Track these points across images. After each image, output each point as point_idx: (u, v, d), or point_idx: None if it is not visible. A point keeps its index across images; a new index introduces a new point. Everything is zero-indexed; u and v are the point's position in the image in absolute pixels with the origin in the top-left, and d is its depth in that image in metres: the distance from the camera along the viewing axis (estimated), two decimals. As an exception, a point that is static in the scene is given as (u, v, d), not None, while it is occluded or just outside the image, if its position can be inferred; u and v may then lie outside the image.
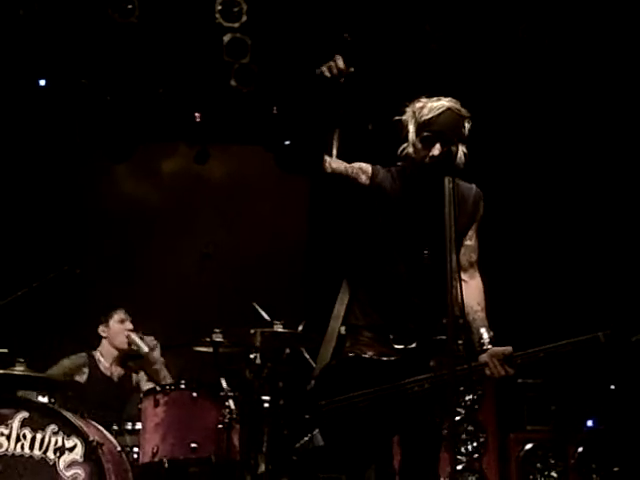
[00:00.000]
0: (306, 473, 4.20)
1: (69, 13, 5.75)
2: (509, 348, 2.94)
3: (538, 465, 5.04)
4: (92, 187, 6.56)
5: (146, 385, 4.84)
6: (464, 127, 3.06)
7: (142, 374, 4.95)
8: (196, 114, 6.44)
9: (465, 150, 3.06)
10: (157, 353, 4.82)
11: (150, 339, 4.83)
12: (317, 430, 3.12)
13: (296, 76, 6.20)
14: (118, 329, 4.86)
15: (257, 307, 4.78)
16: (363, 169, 3.15)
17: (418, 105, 3.10)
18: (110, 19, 5.75)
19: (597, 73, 5.69)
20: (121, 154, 6.43)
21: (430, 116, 3.03)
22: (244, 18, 5.89)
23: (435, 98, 3.10)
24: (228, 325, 4.63)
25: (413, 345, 3.02)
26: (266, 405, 4.32)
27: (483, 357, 2.95)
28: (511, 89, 5.98)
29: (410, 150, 3.09)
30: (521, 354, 2.93)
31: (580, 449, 5.00)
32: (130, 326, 4.88)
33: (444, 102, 3.06)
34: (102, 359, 4.86)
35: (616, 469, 4.94)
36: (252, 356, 4.31)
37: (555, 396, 5.20)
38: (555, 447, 5.07)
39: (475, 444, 5.07)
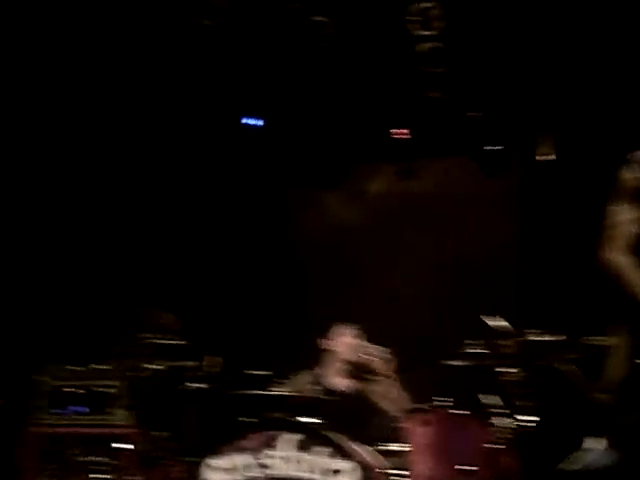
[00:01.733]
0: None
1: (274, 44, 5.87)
2: None
3: None
4: (302, 215, 6.69)
5: (381, 401, 4.67)
6: None
7: (375, 387, 4.77)
8: (398, 131, 6.37)
9: None
10: (389, 367, 4.61)
11: (382, 350, 4.64)
12: (591, 449, 2.81)
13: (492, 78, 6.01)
14: (344, 342, 4.73)
15: (487, 319, 4.52)
16: None
17: None
18: (306, 45, 5.83)
19: None
20: (329, 181, 6.50)
21: None
22: (440, 24, 5.75)
23: None
24: (451, 338, 4.41)
25: None
26: (529, 423, 4.02)
27: None
28: None
29: None
30: None
31: None
32: (357, 340, 4.73)
33: None
34: (328, 375, 4.73)
35: None
36: (507, 369, 4.05)
37: None
38: None
39: None
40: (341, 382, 4.65)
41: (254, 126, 6.29)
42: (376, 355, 4.56)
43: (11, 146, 5.49)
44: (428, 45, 5.74)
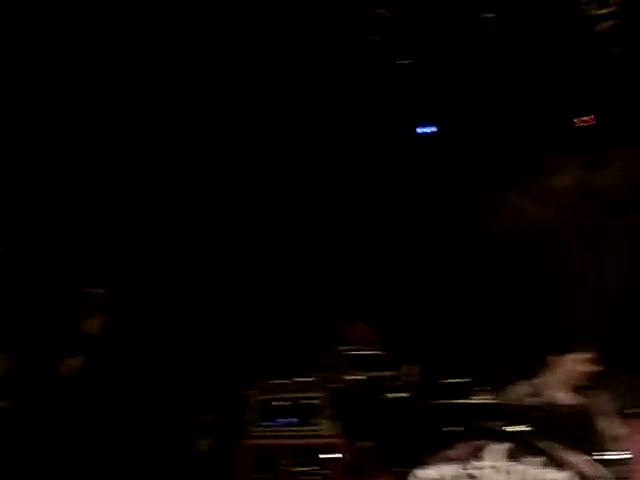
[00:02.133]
0: None
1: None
2: None
3: None
4: (491, 216, 6.56)
5: (602, 414, 4.37)
6: None
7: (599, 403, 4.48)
8: (582, 119, 6.04)
9: None
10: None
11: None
12: None
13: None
14: (573, 368, 4.46)
15: None
16: None
17: None
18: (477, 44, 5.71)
19: None
20: (515, 178, 6.33)
21: None
22: (617, -1, 5.37)
23: None
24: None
25: None
26: None
27: None
28: None
29: None
30: None
31: None
32: (589, 367, 4.42)
33: None
34: (549, 387, 4.48)
35: None
36: None
37: None
38: None
39: None
40: (564, 396, 4.40)
41: (429, 133, 6.27)
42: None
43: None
44: (607, 24, 5.40)
